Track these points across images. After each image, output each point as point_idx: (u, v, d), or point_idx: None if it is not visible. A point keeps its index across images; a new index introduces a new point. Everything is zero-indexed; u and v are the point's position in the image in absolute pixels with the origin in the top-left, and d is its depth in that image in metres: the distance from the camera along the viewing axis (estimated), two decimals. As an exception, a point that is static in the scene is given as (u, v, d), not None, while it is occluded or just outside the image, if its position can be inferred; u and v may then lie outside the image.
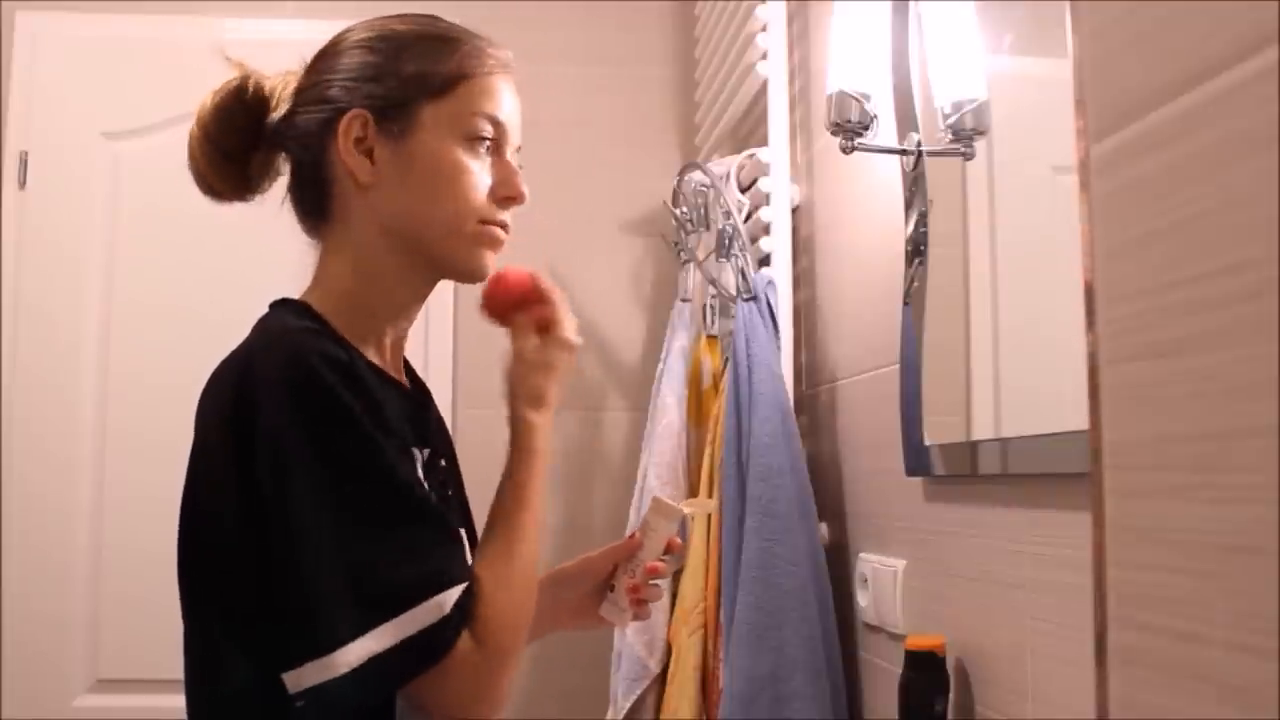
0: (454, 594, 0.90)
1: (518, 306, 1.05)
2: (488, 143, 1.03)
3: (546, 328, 1.05)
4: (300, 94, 1.05)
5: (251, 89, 1.05)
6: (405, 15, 1.08)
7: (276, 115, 1.05)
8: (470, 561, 0.97)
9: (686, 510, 1.22)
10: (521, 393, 1.03)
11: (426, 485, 0.98)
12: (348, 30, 1.08)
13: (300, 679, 0.86)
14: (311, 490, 0.88)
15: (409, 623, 0.88)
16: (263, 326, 0.99)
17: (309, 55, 1.08)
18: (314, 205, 1.05)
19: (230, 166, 1.06)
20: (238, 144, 1.05)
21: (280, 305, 1.03)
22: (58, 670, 2.33)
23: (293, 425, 0.89)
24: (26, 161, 2.43)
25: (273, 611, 0.89)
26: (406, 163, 1.01)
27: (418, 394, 1.12)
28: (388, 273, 1.03)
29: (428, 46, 1.03)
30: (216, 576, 0.95)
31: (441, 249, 1.03)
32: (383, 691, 0.90)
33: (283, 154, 1.07)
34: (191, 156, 1.05)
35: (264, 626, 0.90)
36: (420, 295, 1.07)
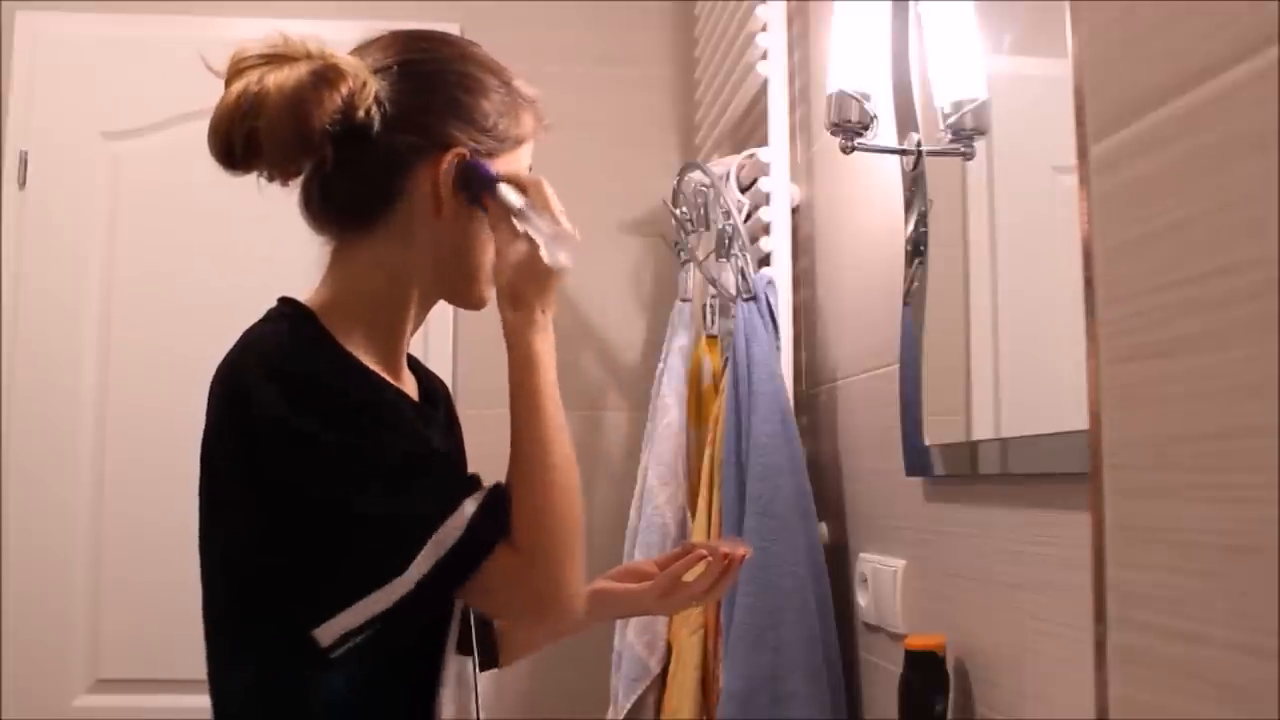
0: (470, 507, 0.94)
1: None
2: None
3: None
4: (387, 106, 1.01)
5: (343, 81, 1.00)
6: (476, 52, 1.10)
7: (364, 120, 1.00)
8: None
9: None
10: (502, 290, 1.04)
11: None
12: (426, 43, 1.08)
13: (334, 628, 0.93)
14: (317, 466, 0.94)
15: (436, 548, 0.92)
16: (250, 328, 1.01)
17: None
18: (360, 211, 1.05)
19: (303, 152, 1.01)
20: (325, 132, 0.99)
21: (280, 304, 1.05)
22: (58, 670, 2.33)
23: (288, 413, 0.94)
24: (26, 161, 2.43)
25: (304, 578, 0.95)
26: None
27: (425, 396, 1.14)
28: (416, 289, 1.08)
29: (512, 103, 1.09)
30: (239, 562, 0.98)
31: (472, 282, 1.09)
32: (428, 613, 0.98)
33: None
34: (258, 128, 0.98)
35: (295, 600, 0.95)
36: (429, 309, 1.13)
